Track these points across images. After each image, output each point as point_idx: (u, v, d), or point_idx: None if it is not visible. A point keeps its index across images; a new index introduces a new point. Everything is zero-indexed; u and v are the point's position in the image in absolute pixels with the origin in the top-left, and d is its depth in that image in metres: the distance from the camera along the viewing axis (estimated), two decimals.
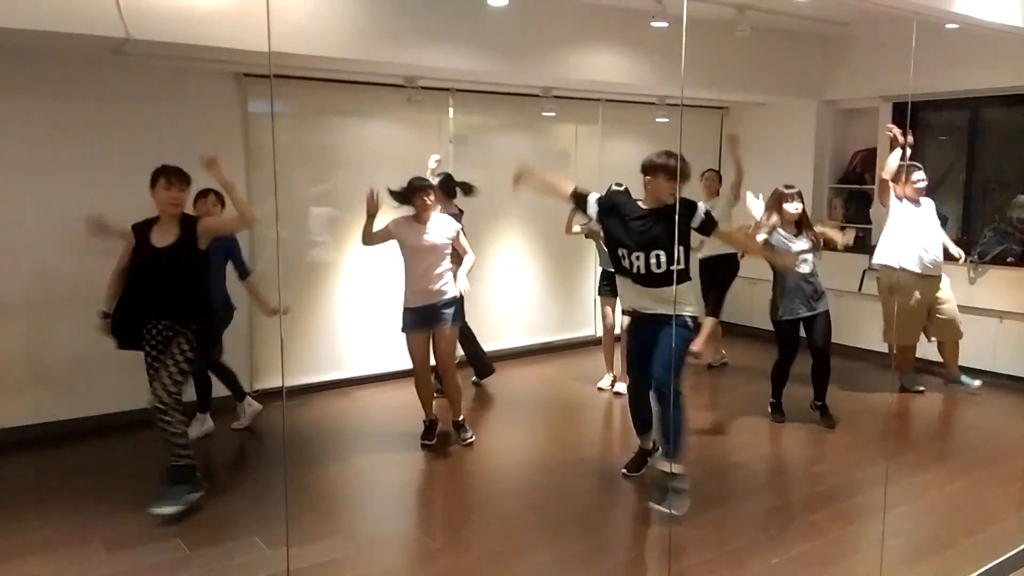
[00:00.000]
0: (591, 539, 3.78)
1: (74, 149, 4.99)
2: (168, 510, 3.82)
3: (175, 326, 3.95)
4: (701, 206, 4.08)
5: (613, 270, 4.29)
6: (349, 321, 6.24)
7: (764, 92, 7.13)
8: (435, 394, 5.12)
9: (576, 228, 5.85)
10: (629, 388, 4.47)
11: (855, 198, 7.54)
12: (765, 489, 4.39)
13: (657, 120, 7.37)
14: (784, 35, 6.87)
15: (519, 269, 7.20)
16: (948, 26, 4.69)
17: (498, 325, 7.03)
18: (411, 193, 4.73)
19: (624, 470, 4.43)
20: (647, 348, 4.07)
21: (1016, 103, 6.52)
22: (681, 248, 4.00)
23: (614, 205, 4.17)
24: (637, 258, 4.00)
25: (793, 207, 5.08)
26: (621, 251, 4.06)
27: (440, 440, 4.98)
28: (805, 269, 5.13)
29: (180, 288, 3.95)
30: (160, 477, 3.95)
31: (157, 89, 5.22)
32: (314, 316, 6.09)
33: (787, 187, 5.17)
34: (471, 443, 4.94)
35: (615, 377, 6.08)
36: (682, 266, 4.00)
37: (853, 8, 5.68)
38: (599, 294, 6.09)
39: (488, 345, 6.82)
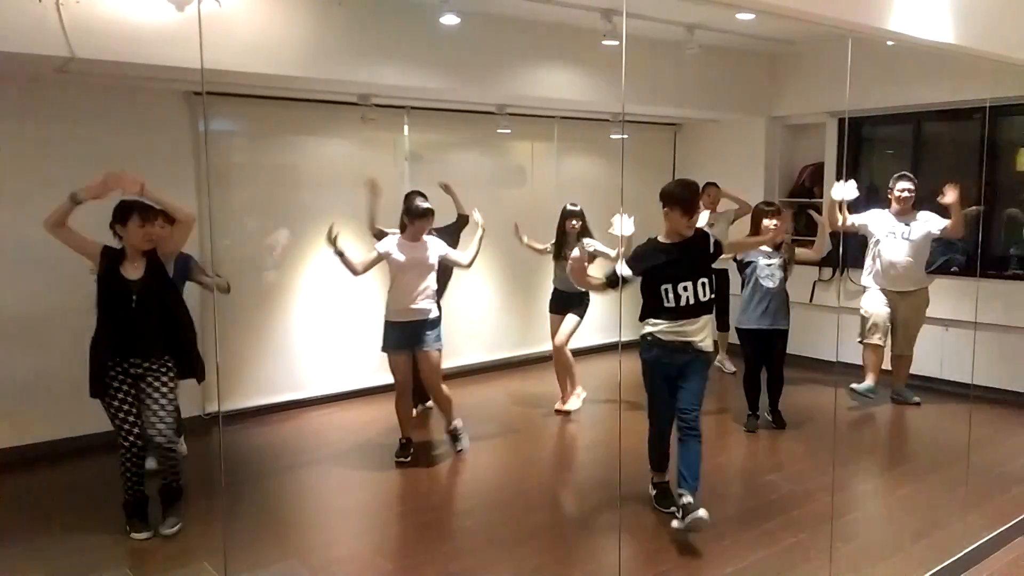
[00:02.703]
0: (547, 555, 3.79)
1: (18, 170, 4.89)
2: (172, 529, 3.93)
3: (149, 362, 3.89)
4: (711, 235, 4.08)
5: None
6: (305, 341, 6.18)
7: (714, 109, 7.28)
8: (414, 412, 5.16)
9: (538, 246, 6.00)
10: (654, 425, 4.20)
11: (805, 211, 7.69)
12: (718, 499, 4.42)
13: (611, 136, 7.47)
14: (732, 54, 7.03)
15: (477, 286, 7.20)
16: (888, 43, 4.84)
17: (456, 341, 7.01)
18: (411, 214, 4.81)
19: (658, 507, 4.20)
20: (673, 382, 4.00)
21: (954, 117, 6.74)
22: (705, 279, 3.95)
23: (644, 255, 4.00)
24: (674, 289, 3.89)
25: (772, 223, 5.24)
26: (663, 287, 3.91)
27: (400, 459, 4.94)
28: (770, 284, 5.35)
29: (157, 322, 3.88)
30: (130, 504, 3.91)
31: (104, 109, 5.15)
32: (270, 337, 6.02)
33: (767, 204, 5.41)
34: (462, 452, 5.09)
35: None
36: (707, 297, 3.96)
37: (797, 27, 5.84)
38: (553, 311, 6.06)
39: (447, 362, 6.79)
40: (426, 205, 4.85)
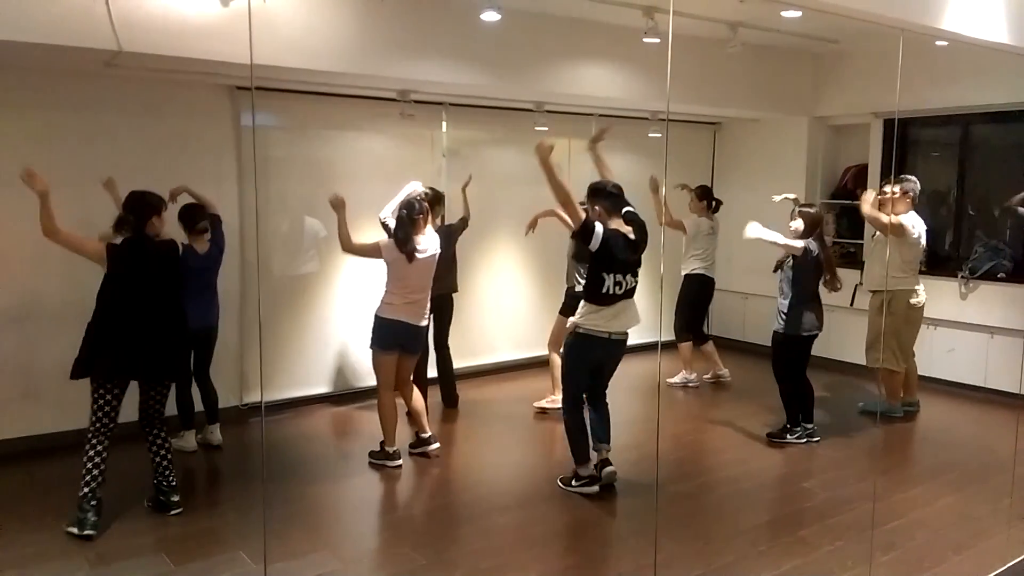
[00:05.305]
0: (578, 555, 3.77)
1: (65, 162, 4.98)
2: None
3: None
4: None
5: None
6: (344, 334, 6.22)
7: (756, 108, 7.17)
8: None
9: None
10: (576, 412, 4.49)
11: (847, 214, 7.56)
12: (754, 504, 4.37)
13: (650, 135, 7.40)
14: (775, 52, 6.92)
15: (509, 282, 7.19)
16: (938, 43, 4.73)
17: (488, 339, 7.02)
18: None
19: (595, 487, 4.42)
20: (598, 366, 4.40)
21: (1005, 120, 6.56)
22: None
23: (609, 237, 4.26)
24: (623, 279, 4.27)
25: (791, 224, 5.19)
26: (610, 275, 4.23)
27: (427, 456, 4.96)
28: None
29: None
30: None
31: (150, 102, 5.23)
32: (309, 329, 6.08)
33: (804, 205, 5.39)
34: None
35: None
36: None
37: (842, 26, 5.73)
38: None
39: (478, 359, 6.83)
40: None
